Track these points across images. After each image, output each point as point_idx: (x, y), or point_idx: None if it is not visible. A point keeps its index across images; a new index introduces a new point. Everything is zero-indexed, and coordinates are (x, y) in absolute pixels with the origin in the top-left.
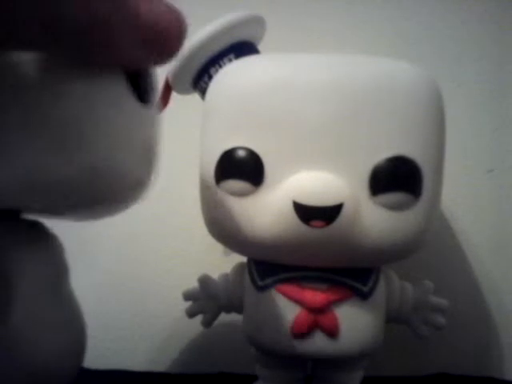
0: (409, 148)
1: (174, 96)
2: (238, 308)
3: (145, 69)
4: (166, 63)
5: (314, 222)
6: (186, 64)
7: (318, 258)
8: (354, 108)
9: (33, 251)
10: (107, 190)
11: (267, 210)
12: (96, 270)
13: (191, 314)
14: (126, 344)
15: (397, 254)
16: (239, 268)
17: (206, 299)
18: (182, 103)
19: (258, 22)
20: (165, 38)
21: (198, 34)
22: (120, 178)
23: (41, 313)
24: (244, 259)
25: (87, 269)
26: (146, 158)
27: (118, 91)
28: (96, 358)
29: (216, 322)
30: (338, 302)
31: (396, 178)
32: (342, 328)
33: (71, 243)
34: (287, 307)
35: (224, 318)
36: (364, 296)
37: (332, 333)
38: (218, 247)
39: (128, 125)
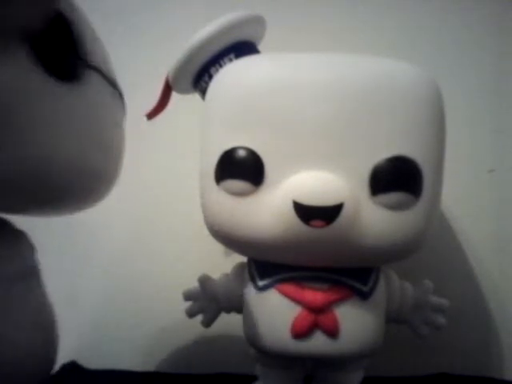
0: (409, 148)
1: (174, 96)
2: (237, 308)
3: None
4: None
5: (314, 222)
6: (186, 64)
7: (318, 257)
8: (354, 108)
9: None
10: (55, 183)
11: (267, 209)
12: (96, 270)
13: (191, 313)
14: (126, 344)
15: (397, 254)
16: (239, 268)
17: (206, 299)
18: (182, 103)
19: (258, 21)
20: None
21: (198, 33)
22: (62, 167)
23: (6, 311)
24: (244, 259)
25: (87, 269)
26: (94, 144)
27: (20, 70)
28: (96, 358)
29: (216, 322)
30: (338, 301)
31: (396, 177)
32: (342, 328)
33: (71, 243)
34: (287, 307)
35: (224, 317)
36: (364, 296)
37: (332, 333)
38: (218, 247)
39: (47, 109)
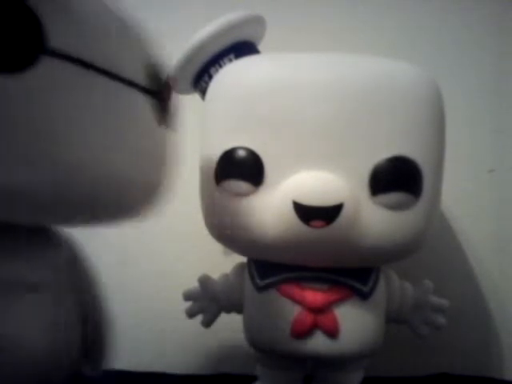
0: (409, 148)
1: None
2: (237, 308)
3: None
4: None
5: (314, 222)
6: (186, 64)
7: (318, 257)
8: (354, 108)
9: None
10: (100, 195)
11: (267, 210)
12: (97, 271)
13: (191, 313)
14: (126, 344)
15: (397, 253)
16: (239, 268)
17: (206, 299)
18: (182, 103)
19: (258, 21)
20: None
21: (198, 33)
22: (110, 181)
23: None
24: (244, 259)
25: None
26: (145, 159)
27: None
28: None
29: (216, 322)
30: (338, 302)
31: (396, 177)
32: (342, 328)
33: None
34: (287, 307)
35: (224, 318)
36: (364, 296)
37: (332, 333)
38: (218, 247)
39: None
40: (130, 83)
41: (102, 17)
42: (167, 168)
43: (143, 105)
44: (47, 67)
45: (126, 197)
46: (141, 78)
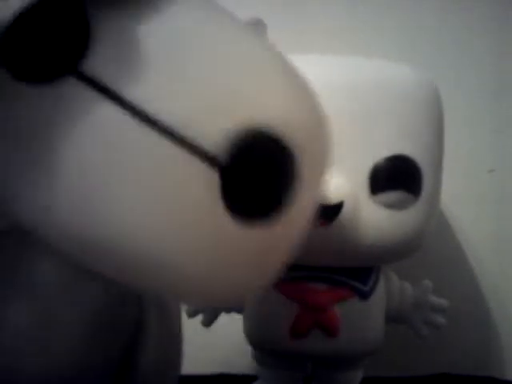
0: (408, 147)
1: None
2: (238, 308)
3: None
4: None
5: (314, 222)
6: None
7: (318, 257)
8: (354, 108)
9: None
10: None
11: None
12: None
13: (191, 314)
14: None
15: (397, 253)
16: None
17: None
18: None
19: (258, 26)
20: None
21: None
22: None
23: None
24: None
25: None
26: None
27: None
28: None
29: (216, 322)
30: (338, 301)
31: (396, 177)
32: (342, 327)
33: None
34: (287, 307)
35: (224, 318)
36: (364, 296)
37: (332, 332)
38: None
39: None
40: (180, 139)
41: (163, 53)
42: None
43: (190, 170)
44: (69, 89)
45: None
46: (197, 135)
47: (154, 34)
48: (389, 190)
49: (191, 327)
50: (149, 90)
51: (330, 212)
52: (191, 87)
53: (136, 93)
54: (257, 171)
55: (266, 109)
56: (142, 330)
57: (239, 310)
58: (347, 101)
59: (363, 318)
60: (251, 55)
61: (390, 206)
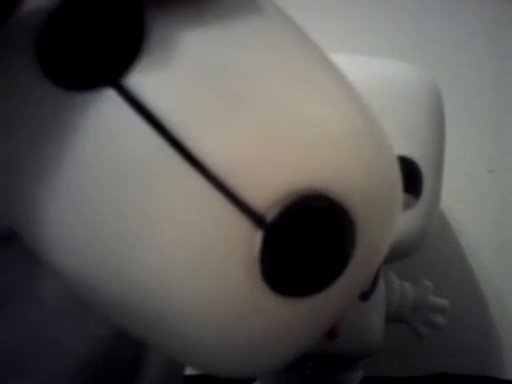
0: (409, 148)
1: None
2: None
3: None
4: None
5: None
6: None
7: None
8: None
9: None
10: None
11: None
12: None
13: None
14: None
15: (396, 253)
16: None
17: None
18: None
19: None
20: None
21: None
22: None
23: None
24: None
25: None
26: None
27: None
28: None
29: None
30: None
31: None
32: (342, 328)
33: None
34: None
35: None
36: (364, 296)
37: (332, 333)
38: None
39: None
40: (223, 189)
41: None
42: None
43: (231, 227)
44: (103, 102)
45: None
46: (245, 189)
47: (217, 54)
48: None
49: None
50: (197, 123)
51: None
52: (246, 129)
53: (181, 123)
54: (306, 240)
55: (327, 168)
56: (142, 360)
57: None
58: None
59: (363, 319)
60: (317, 99)
61: None
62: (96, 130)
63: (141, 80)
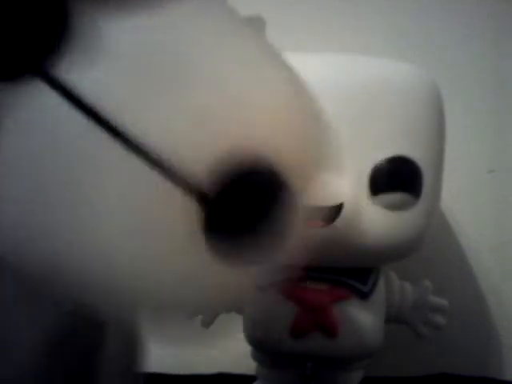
0: (409, 148)
1: None
2: (237, 308)
3: None
4: None
5: (314, 222)
6: None
7: (318, 257)
8: (353, 108)
9: None
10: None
11: None
12: None
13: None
14: None
15: (396, 254)
16: None
17: None
18: None
19: (257, 22)
20: None
21: None
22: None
23: None
24: None
25: None
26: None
27: None
28: None
29: (216, 322)
30: (338, 301)
31: (396, 178)
32: (342, 328)
33: None
34: (287, 307)
35: (224, 318)
36: (364, 296)
37: (332, 333)
38: None
39: None
40: (157, 163)
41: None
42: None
43: (172, 200)
44: (32, 90)
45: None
46: (181, 163)
47: (142, 40)
48: (389, 192)
49: (191, 327)
50: (127, 103)
51: (329, 213)
52: (179, 108)
53: (111, 105)
54: (244, 206)
55: (258, 140)
56: (102, 340)
57: (239, 311)
58: (347, 101)
59: (363, 319)
60: (245, 77)
61: (390, 207)
62: (27, 117)
63: (67, 66)
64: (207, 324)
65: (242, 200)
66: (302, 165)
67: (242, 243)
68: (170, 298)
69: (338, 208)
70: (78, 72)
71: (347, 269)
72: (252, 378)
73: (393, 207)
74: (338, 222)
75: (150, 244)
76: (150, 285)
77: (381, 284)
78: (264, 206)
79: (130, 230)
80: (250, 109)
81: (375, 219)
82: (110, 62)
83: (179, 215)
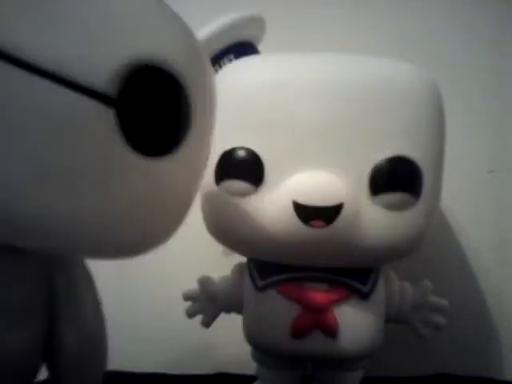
0: (409, 148)
1: None
2: (237, 308)
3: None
4: None
5: (314, 222)
6: None
7: (318, 258)
8: (353, 108)
9: None
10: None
11: (267, 209)
12: (96, 271)
13: (191, 314)
14: (126, 345)
15: (396, 254)
16: (239, 268)
17: (206, 300)
18: None
19: (257, 21)
20: None
21: (198, 34)
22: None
23: None
24: (244, 259)
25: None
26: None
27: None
28: None
29: (216, 322)
30: (338, 302)
31: (396, 178)
32: (342, 328)
33: None
34: (287, 307)
35: (224, 317)
36: (364, 296)
37: (332, 333)
38: (218, 247)
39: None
40: (63, 81)
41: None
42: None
43: (84, 111)
44: None
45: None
46: (83, 74)
47: None
48: (389, 192)
49: (191, 327)
50: (21, 32)
51: (329, 213)
52: (67, 25)
53: (8, 38)
54: (149, 103)
55: (151, 42)
56: (60, 300)
57: (239, 310)
58: (347, 100)
59: (363, 319)
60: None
61: (390, 207)
62: None
63: None
64: (207, 324)
65: (145, 96)
66: (191, 65)
67: (152, 133)
68: (101, 205)
69: (338, 208)
70: None
71: (347, 269)
72: (252, 377)
73: (393, 207)
74: (338, 222)
75: (75, 154)
76: (79, 193)
77: (381, 284)
78: (163, 100)
79: (52, 146)
80: (139, 19)
81: (375, 219)
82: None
83: (95, 121)
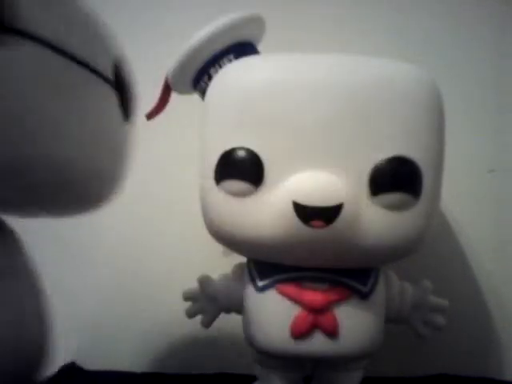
0: (409, 148)
1: (174, 96)
2: (237, 308)
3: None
4: None
5: (314, 223)
6: (185, 64)
7: (318, 258)
8: (353, 108)
9: None
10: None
11: (267, 210)
12: (95, 271)
13: (191, 314)
14: (126, 345)
15: (396, 254)
16: (239, 268)
17: (206, 300)
18: (182, 103)
19: (257, 22)
20: None
21: (198, 34)
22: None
23: None
24: (244, 259)
25: (86, 270)
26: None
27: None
28: (95, 358)
29: (216, 322)
30: (338, 302)
31: (396, 178)
32: (342, 328)
33: (71, 244)
34: (287, 307)
35: (224, 317)
36: (364, 296)
37: (332, 333)
38: (218, 247)
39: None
40: (100, 75)
41: (78, 6)
42: (125, 160)
43: (110, 98)
44: (12, 47)
45: (85, 186)
46: (110, 72)
47: None
48: (389, 192)
49: (191, 327)
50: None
51: (329, 213)
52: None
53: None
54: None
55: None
56: None
57: (239, 311)
58: (347, 101)
59: (363, 319)
60: None
61: (390, 207)
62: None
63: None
64: (207, 324)
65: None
66: None
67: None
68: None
69: (338, 208)
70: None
71: (347, 269)
72: (252, 377)
73: (393, 207)
74: (338, 222)
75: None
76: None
77: (381, 284)
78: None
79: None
80: None
81: (375, 219)
82: None
83: (114, 102)
